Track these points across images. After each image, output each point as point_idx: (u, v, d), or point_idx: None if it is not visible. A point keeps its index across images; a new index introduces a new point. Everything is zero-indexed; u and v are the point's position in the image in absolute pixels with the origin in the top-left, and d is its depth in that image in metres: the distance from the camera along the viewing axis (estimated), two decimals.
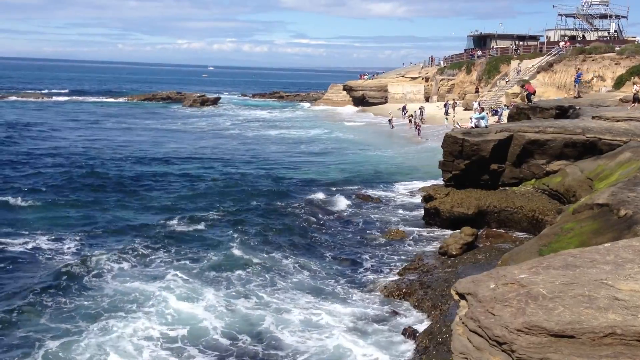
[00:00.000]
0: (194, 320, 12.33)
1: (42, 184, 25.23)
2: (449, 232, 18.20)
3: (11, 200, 21.90)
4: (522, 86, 39.65)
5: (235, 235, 18.10)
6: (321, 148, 40.59)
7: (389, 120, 50.95)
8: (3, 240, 17.22)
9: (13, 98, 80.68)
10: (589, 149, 18.58)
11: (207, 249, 17.06)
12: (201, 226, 19.37)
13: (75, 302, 13.07)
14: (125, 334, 11.53)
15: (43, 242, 17.30)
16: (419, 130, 43.24)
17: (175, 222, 19.78)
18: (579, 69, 42.63)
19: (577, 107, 25.72)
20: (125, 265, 15.59)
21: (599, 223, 10.41)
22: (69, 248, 16.92)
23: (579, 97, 34.59)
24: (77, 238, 17.77)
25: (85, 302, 13.06)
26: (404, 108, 52.31)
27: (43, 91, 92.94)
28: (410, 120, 48.69)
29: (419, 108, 51.22)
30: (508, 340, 4.38)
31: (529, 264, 5.74)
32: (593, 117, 21.60)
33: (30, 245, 16.95)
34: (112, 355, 10.77)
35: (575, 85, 39.67)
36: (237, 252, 16.65)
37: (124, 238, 17.91)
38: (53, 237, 17.74)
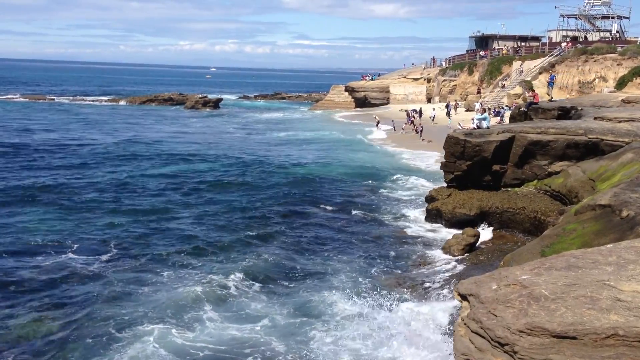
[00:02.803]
0: (226, 328, 12.19)
1: (55, 189, 24.81)
2: (452, 232, 18.19)
3: (33, 208, 21.67)
4: (530, 92, 39.82)
5: (259, 240, 18.30)
6: (323, 148, 40.58)
7: (377, 124, 50.97)
8: (30, 250, 16.88)
9: (9, 97, 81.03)
10: (591, 149, 18.56)
11: (236, 253, 16.94)
12: (224, 230, 19.26)
13: (109, 311, 12.88)
14: (160, 342, 11.39)
15: (70, 249, 16.93)
16: (420, 132, 43.16)
17: (198, 224, 19.87)
18: (551, 72, 42.80)
19: (579, 108, 25.70)
20: (157, 272, 15.23)
21: (601, 224, 10.39)
22: (99, 255, 16.56)
23: (551, 100, 34.78)
24: (104, 244, 17.55)
25: (121, 311, 12.87)
26: (419, 111, 51.53)
27: (48, 95, 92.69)
28: (412, 122, 48.73)
29: (412, 110, 51.43)
30: (510, 341, 4.38)
31: (531, 265, 5.74)
32: (595, 118, 21.56)
33: (58, 253, 16.59)
34: None
35: (549, 88, 39.95)
36: (263, 255, 16.78)
37: (151, 244, 17.67)
38: (76, 244, 17.42)
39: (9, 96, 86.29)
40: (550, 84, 40.02)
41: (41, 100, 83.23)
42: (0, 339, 11.70)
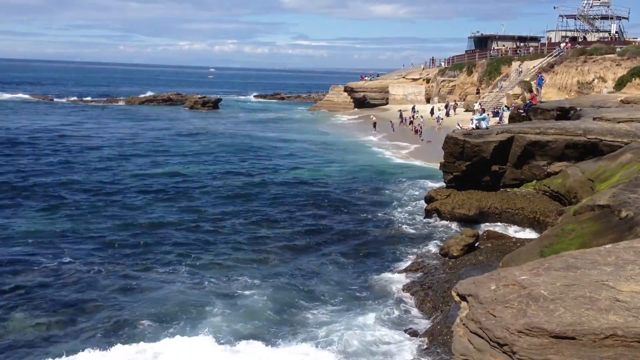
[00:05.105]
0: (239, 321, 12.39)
1: (52, 190, 24.75)
2: (450, 232, 18.20)
3: (31, 209, 21.58)
4: (529, 91, 40.00)
5: (255, 242, 18.40)
6: (321, 149, 40.59)
7: (374, 124, 50.92)
8: (28, 251, 16.81)
9: (8, 96, 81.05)
10: (590, 150, 18.58)
11: (231, 254, 17.01)
12: (221, 230, 19.37)
13: (107, 313, 12.91)
14: (158, 345, 11.40)
15: (66, 252, 16.82)
16: (419, 132, 43.14)
17: (194, 225, 20.00)
18: (539, 73, 42.94)
19: (578, 109, 25.73)
20: (156, 274, 15.25)
21: (600, 224, 10.40)
22: (97, 257, 16.53)
23: (540, 101, 34.87)
24: (102, 246, 17.54)
25: (118, 311, 12.93)
26: (430, 110, 51.60)
27: (47, 95, 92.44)
28: (411, 122, 48.73)
29: (412, 109, 51.35)
30: (509, 341, 4.38)
31: (530, 265, 5.74)
32: (594, 119, 21.59)
33: (54, 255, 16.51)
34: None
35: (538, 89, 40.03)
36: (259, 256, 16.96)
37: (147, 246, 17.66)
38: (73, 246, 17.41)
39: (7, 96, 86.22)
40: (539, 84, 40.20)
41: (40, 100, 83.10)
42: None
